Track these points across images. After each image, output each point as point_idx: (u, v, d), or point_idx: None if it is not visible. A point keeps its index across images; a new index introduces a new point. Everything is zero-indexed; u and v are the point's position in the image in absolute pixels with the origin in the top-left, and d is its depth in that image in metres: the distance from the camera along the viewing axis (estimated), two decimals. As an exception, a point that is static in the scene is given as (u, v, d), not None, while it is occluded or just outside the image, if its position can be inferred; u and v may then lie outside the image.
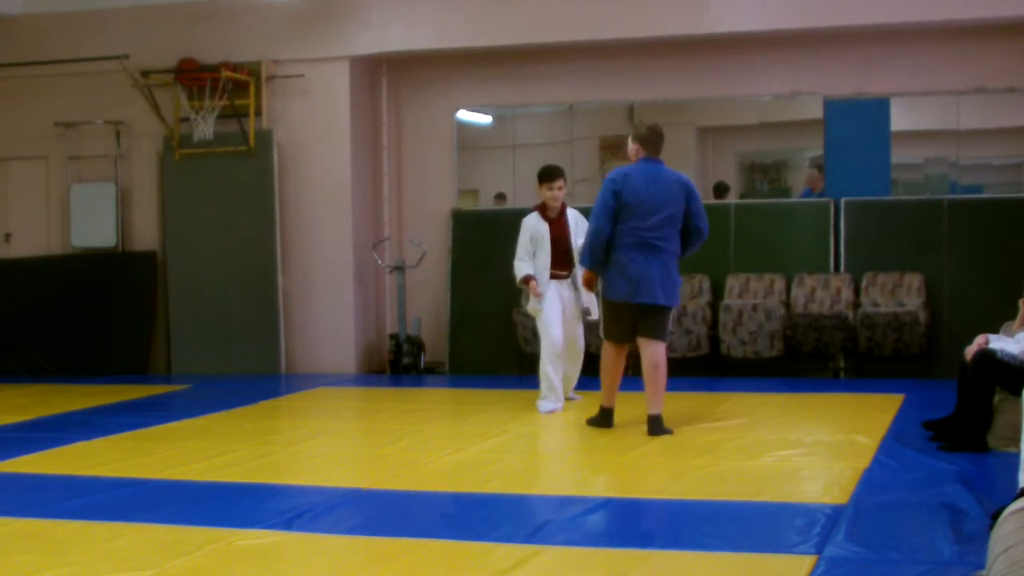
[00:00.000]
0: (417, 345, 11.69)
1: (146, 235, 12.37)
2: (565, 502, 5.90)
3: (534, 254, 8.78)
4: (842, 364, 10.80)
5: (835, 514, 5.38)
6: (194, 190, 12.03)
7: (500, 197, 12.22)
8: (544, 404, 8.74)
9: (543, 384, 8.77)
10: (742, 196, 11.61)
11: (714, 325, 10.77)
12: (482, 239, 11.80)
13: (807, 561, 4.64)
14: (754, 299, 10.83)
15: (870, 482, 6.12)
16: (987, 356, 6.83)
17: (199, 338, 12.01)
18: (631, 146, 7.79)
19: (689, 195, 7.68)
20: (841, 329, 10.44)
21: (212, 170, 11.94)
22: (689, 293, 10.99)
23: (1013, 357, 6.79)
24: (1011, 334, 7.25)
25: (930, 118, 11.32)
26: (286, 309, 11.94)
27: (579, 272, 8.54)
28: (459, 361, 11.79)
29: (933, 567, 4.53)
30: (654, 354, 7.65)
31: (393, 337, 11.80)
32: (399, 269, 11.77)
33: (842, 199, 10.97)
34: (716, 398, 9.37)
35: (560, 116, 12.06)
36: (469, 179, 12.30)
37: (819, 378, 10.69)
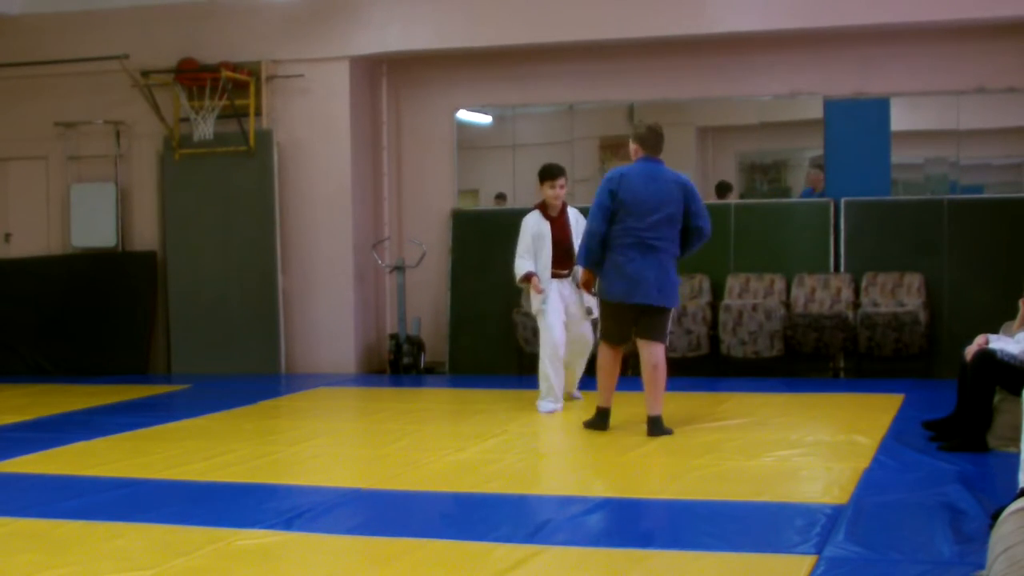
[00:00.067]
0: (417, 345, 11.69)
1: (146, 235, 12.37)
2: (565, 502, 5.90)
3: (535, 253, 8.77)
4: (842, 364, 10.80)
5: (835, 514, 5.38)
6: (194, 190, 12.03)
7: (500, 197, 12.22)
8: (544, 404, 8.74)
9: (542, 384, 8.77)
10: (742, 196, 11.61)
11: (714, 325, 10.77)
12: (482, 239, 11.80)
13: (807, 561, 4.64)
14: (754, 299, 10.83)
15: (870, 482, 6.12)
16: (987, 356, 6.83)
17: (199, 338, 12.01)
18: (631, 146, 7.81)
19: (688, 195, 7.65)
20: (841, 329, 10.44)
21: (212, 170, 11.94)
22: (689, 293, 10.99)
23: (1013, 357, 6.79)
24: (1011, 334, 7.25)
25: (930, 118, 11.32)
26: (286, 309, 11.94)
27: (579, 271, 8.53)
28: (459, 361, 11.79)
29: (933, 567, 4.53)
30: (653, 355, 7.65)
31: (393, 337, 11.80)
32: (399, 269, 11.77)
33: (842, 199, 10.98)
34: (716, 398, 9.37)
35: (560, 116, 12.06)
36: (469, 179, 12.30)
37: (819, 378, 10.69)
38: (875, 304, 10.61)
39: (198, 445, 7.72)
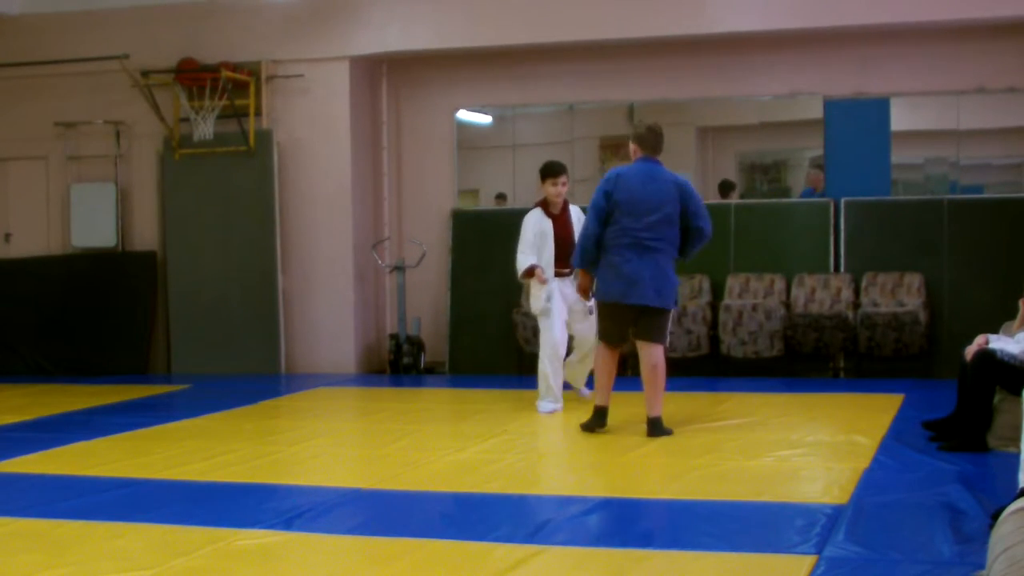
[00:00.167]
0: (417, 345, 11.69)
1: (146, 235, 12.37)
2: (565, 502, 5.90)
3: (538, 251, 8.74)
4: (842, 364, 10.80)
5: (835, 514, 5.38)
6: (194, 190, 12.03)
7: (500, 197, 12.22)
8: (544, 404, 8.74)
9: (541, 384, 8.76)
10: (742, 196, 11.61)
11: (714, 325, 10.77)
12: (482, 239, 11.80)
13: (807, 561, 4.64)
14: (754, 299, 10.83)
15: (870, 482, 6.12)
16: (987, 356, 6.83)
17: (199, 338, 12.01)
18: (630, 146, 7.80)
19: (685, 195, 7.61)
20: (841, 329, 10.44)
21: (212, 170, 11.94)
22: (689, 293, 10.99)
23: (1013, 357, 6.79)
24: (1011, 334, 7.25)
25: (930, 118, 11.32)
26: (286, 309, 11.94)
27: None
28: (459, 361, 11.79)
29: (933, 567, 4.53)
30: (652, 356, 7.64)
31: (393, 337, 11.80)
32: (399, 269, 11.77)
33: (842, 199, 10.98)
34: (716, 398, 9.37)
35: (560, 116, 12.06)
36: (469, 179, 12.30)
37: (819, 378, 10.69)
38: (875, 304, 10.61)
39: (198, 445, 7.72)
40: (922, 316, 10.34)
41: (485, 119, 12.41)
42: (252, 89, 11.76)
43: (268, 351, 11.84)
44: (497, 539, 5.09)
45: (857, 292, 10.77)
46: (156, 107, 11.85)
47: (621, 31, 11.12)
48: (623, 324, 7.71)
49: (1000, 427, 6.85)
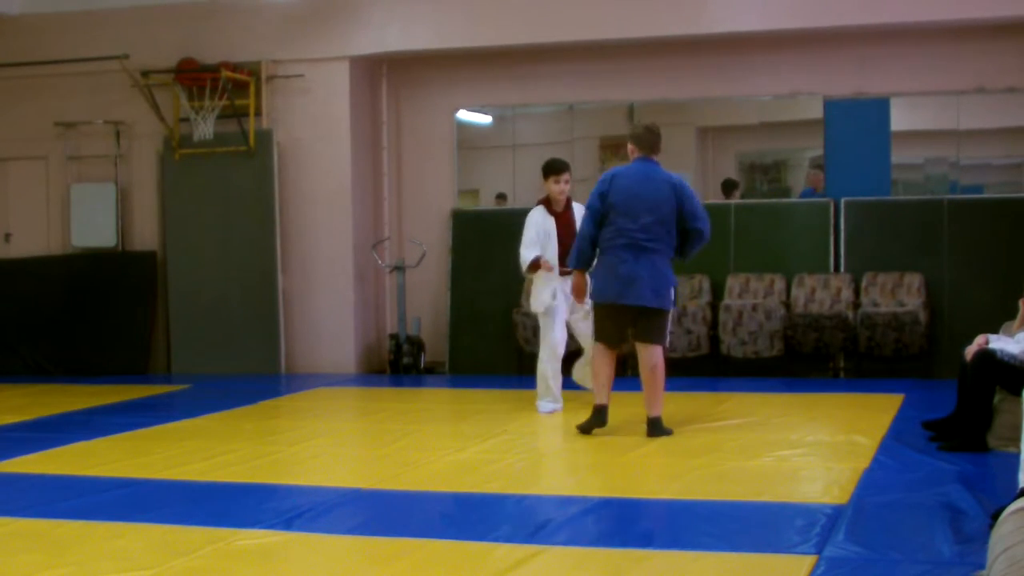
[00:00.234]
0: (417, 345, 11.69)
1: (146, 235, 12.37)
2: (565, 502, 5.90)
3: (541, 249, 8.70)
4: (842, 364, 10.80)
5: (835, 514, 5.38)
6: (194, 190, 12.03)
7: (501, 197, 12.22)
8: (544, 404, 8.73)
9: (540, 384, 8.75)
10: (742, 196, 11.61)
11: (714, 325, 10.77)
12: (482, 239, 11.80)
13: (807, 561, 4.64)
14: (754, 299, 10.83)
15: (870, 482, 6.12)
16: (987, 356, 6.83)
17: (199, 338, 12.01)
18: (628, 146, 7.79)
19: (681, 196, 7.54)
20: (841, 329, 10.44)
21: (212, 170, 11.94)
22: (689, 293, 11.00)
23: (1013, 357, 6.79)
24: (1011, 334, 7.25)
25: (930, 118, 11.32)
26: (286, 309, 11.94)
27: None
28: (459, 361, 11.79)
29: (933, 567, 4.53)
30: (651, 357, 7.62)
31: (393, 337, 11.80)
32: (399, 269, 11.77)
33: (842, 199, 10.98)
34: (716, 398, 9.37)
35: (560, 116, 12.06)
36: (469, 179, 12.30)
37: (819, 378, 10.68)
38: (875, 304, 10.61)
39: (198, 445, 7.72)
40: (922, 316, 10.34)
41: (485, 119, 12.41)
42: (252, 89, 11.76)
43: (268, 351, 11.84)
44: (497, 539, 5.09)
45: (857, 292, 10.77)
46: (156, 107, 11.85)
47: (621, 31, 11.12)
48: (620, 325, 7.70)
49: (1000, 427, 6.85)
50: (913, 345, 10.34)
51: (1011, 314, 7.71)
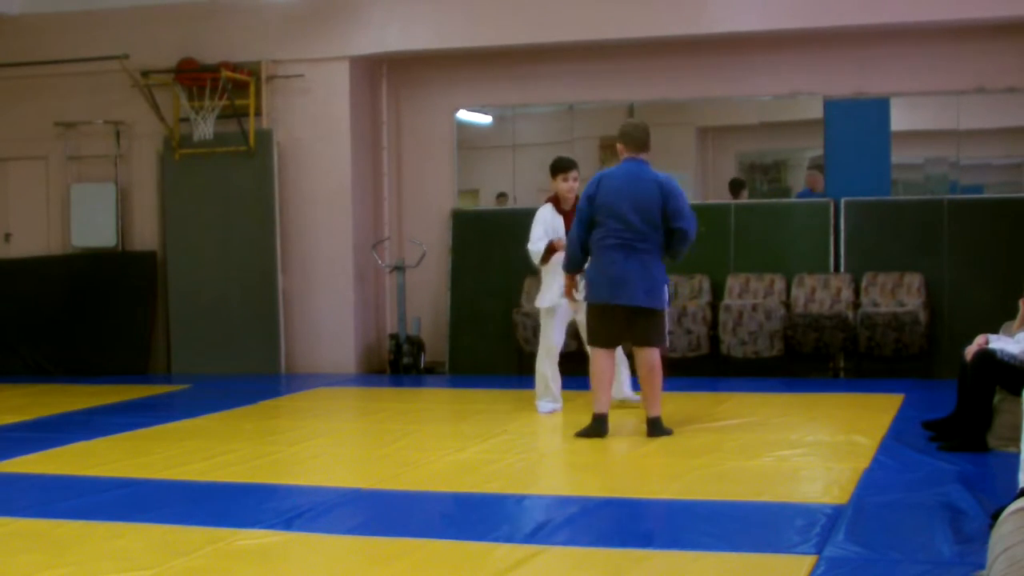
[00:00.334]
0: (417, 345, 11.69)
1: (146, 235, 12.37)
2: (565, 502, 5.90)
3: None
4: (842, 364, 10.80)
5: (835, 514, 5.38)
6: (194, 190, 12.03)
7: (502, 196, 12.22)
8: (544, 404, 8.72)
9: (539, 384, 8.73)
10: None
11: (714, 325, 10.77)
12: (482, 239, 11.80)
13: (807, 561, 4.64)
14: (754, 299, 10.83)
15: (870, 482, 6.12)
16: (987, 356, 6.83)
17: (199, 338, 12.01)
18: (617, 146, 7.76)
19: (666, 195, 7.46)
20: (841, 329, 10.44)
21: (212, 170, 11.94)
22: (689, 293, 11.00)
23: (1013, 357, 6.79)
24: (1011, 334, 7.25)
25: (930, 118, 11.33)
26: (286, 309, 11.94)
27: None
28: (459, 361, 11.79)
29: (933, 567, 4.53)
30: (649, 358, 7.59)
31: (393, 337, 11.80)
32: (399, 269, 11.77)
33: (842, 199, 10.98)
34: (716, 398, 9.37)
35: (560, 116, 12.06)
36: (469, 179, 12.30)
37: (819, 378, 10.68)
38: (875, 304, 10.61)
39: (198, 445, 7.72)
40: (922, 316, 10.34)
41: (485, 119, 12.41)
42: (252, 89, 11.76)
43: (268, 351, 11.84)
44: (497, 539, 5.09)
45: (857, 292, 10.77)
46: (156, 107, 11.85)
47: (621, 31, 11.12)
48: (614, 326, 7.64)
49: (1000, 427, 6.85)
50: (913, 345, 10.34)
51: (1011, 314, 7.71)
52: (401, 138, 12.33)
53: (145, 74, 11.75)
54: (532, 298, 10.97)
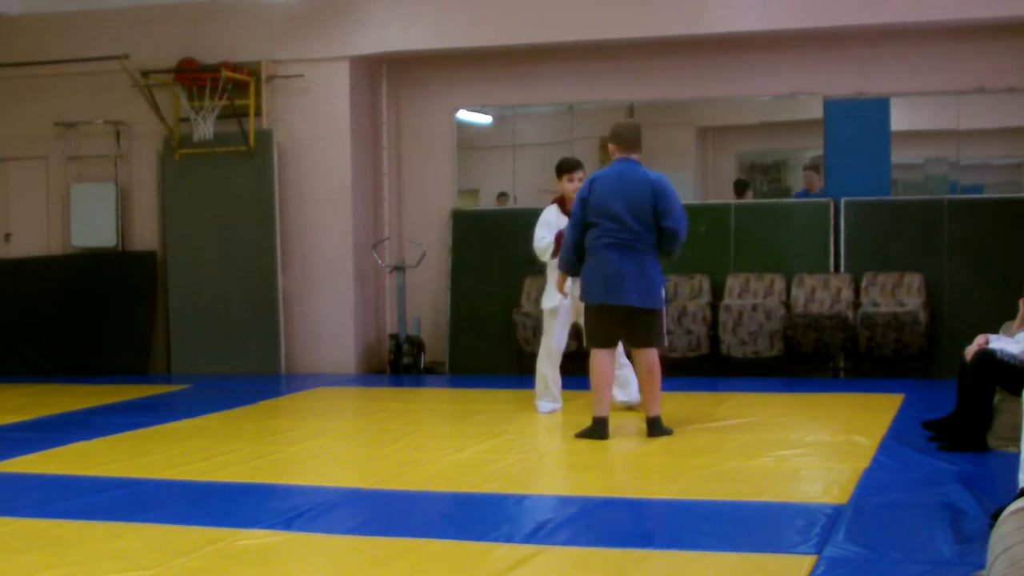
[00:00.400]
0: (417, 345, 11.69)
1: (146, 235, 12.38)
2: (565, 502, 5.91)
3: None
4: (842, 364, 10.80)
5: (835, 514, 5.38)
6: (194, 190, 12.03)
7: (502, 196, 12.21)
8: (544, 404, 8.72)
9: (539, 384, 8.73)
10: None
11: (714, 325, 10.77)
12: (482, 239, 11.80)
13: (807, 561, 4.64)
14: (754, 299, 10.83)
15: (870, 482, 6.12)
16: (987, 356, 6.83)
17: (199, 338, 12.01)
18: (609, 146, 7.76)
19: (657, 195, 7.43)
20: (841, 329, 10.43)
21: (212, 170, 11.94)
22: (689, 293, 11.00)
23: (1013, 357, 6.79)
24: (1011, 334, 7.25)
25: (930, 118, 11.33)
26: (286, 309, 11.94)
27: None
28: (459, 361, 11.79)
29: (933, 567, 4.53)
30: (647, 359, 7.59)
31: (393, 337, 11.80)
32: (399, 269, 11.77)
33: (842, 199, 10.97)
34: (716, 398, 9.37)
35: (560, 116, 12.06)
36: (469, 179, 12.30)
37: (819, 378, 10.68)
38: (875, 304, 10.61)
39: (198, 445, 7.72)
40: (922, 316, 10.34)
41: (485, 119, 12.41)
42: (252, 89, 11.76)
43: (268, 351, 11.84)
44: (497, 539, 5.09)
45: (857, 292, 10.77)
46: (156, 107, 11.85)
47: (621, 31, 11.12)
48: (610, 326, 7.63)
49: (1000, 427, 6.85)
50: (913, 345, 10.34)
51: (1011, 314, 7.71)
52: (401, 138, 12.33)
53: (145, 74, 11.75)
54: (532, 298, 11.00)
